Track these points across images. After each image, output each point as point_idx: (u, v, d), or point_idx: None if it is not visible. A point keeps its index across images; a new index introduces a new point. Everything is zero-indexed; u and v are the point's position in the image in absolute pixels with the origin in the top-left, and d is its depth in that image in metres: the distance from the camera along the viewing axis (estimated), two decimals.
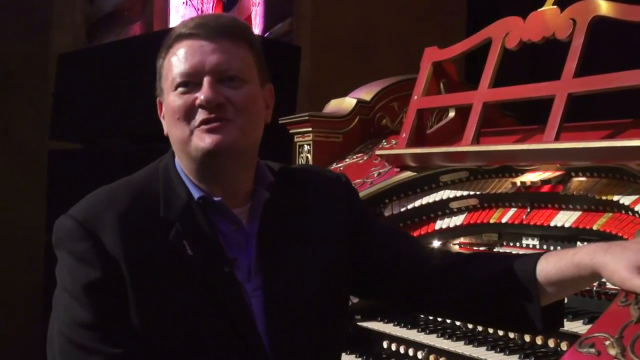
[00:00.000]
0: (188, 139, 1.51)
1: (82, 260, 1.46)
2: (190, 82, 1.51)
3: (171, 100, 1.53)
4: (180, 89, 1.52)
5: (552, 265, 1.48)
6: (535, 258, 1.53)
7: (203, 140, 1.49)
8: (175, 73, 1.52)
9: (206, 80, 1.50)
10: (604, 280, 1.69)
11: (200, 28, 1.54)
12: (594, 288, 2.00)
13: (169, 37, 1.57)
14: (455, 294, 1.63)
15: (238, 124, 1.51)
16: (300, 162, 3.07)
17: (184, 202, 1.54)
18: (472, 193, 2.46)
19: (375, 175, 2.75)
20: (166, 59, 1.56)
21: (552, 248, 2.22)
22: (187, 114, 1.51)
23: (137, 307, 1.45)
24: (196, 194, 1.55)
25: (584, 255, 1.43)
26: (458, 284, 1.62)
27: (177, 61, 1.52)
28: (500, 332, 2.18)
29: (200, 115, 1.50)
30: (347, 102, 3.14)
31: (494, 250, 2.40)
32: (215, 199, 1.55)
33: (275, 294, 1.55)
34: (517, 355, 2.03)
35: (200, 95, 1.49)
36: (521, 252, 2.30)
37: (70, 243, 1.49)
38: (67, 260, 1.49)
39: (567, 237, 2.17)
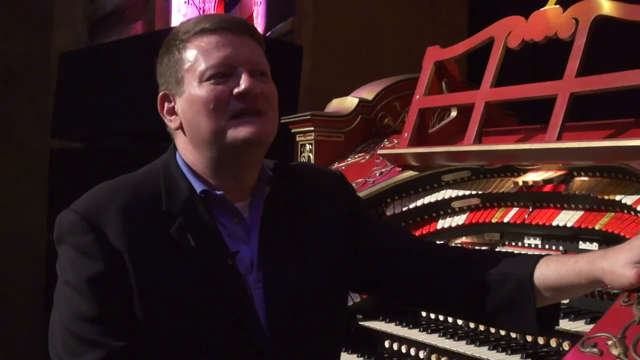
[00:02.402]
0: (222, 129, 1.52)
1: (85, 253, 1.47)
2: (224, 72, 1.53)
3: (202, 90, 1.53)
4: (212, 80, 1.53)
5: (552, 270, 1.49)
6: (534, 260, 1.53)
7: (243, 131, 1.52)
8: (207, 64, 1.53)
9: (244, 71, 1.53)
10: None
11: (226, 23, 1.57)
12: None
13: (185, 32, 1.58)
14: (452, 291, 1.63)
15: (269, 116, 1.57)
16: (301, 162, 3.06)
17: (186, 196, 1.55)
18: (474, 192, 2.46)
19: (377, 174, 2.75)
20: (186, 51, 1.56)
21: (554, 248, 2.22)
22: (222, 103, 1.52)
23: (140, 299, 1.46)
24: (198, 188, 1.56)
25: (584, 263, 1.45)
26: (455, 280, 1.63)
27: (207, 53, 1.54)
28: (502, 332, 2.18)
29: (237, 104, 1.52)
30: (348, 102, 3.14)
31: (496, 250, 2.40)
32: (217, 192, 1.56)
33: (276, 286, 1.56)
34: (519, 355, 2.03)
35: (243, 84, 1.52)
36: (523, 251, 2.30)
37: (73, 236, 1.49)
38: (70, 254, 1.49)
39: (569, 237, 2.17)
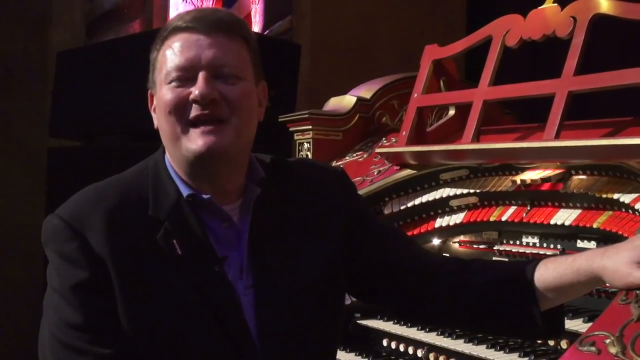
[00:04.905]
0: (179, 136, 1.48)
1: (70, 260, 1.44)
2: (184, 76, 1.48)
3: (163, 93, 1.49)
4: (173, 83, 1.48)
5: (551, 271, 1.49)
6: (534, 264, 1.53)
7: (195, 143, 1.46)
8: (169, 66, 1.49)
9: (201, 75, 1.47)
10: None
11: (197, 22, 1.50)
12: None
13: (165, 30, 1.54)
14: (454, 304, 1.61)
15: (233, 123, 1.48)
16: None
17: (173, 201, 1.50)
18: (472, 191, 2.46)
19: (375, 173, 2.74)
20: (160, 51, 1.53)
21: (552, 246, 2.22)
22: (180, 108, 1.47)
23: (124, 307, 1.43)
24: (185, 192, 1.51)
25: (583, 261, 1.44)
26: (456, 293, 1.60)
27: (172, 54, 1.49)
28: None
29: (194, 110, 1.46)
30: (347, 100, 3.14)
31: (494, 248, 2.40)
32: (204, 196, 1.51)
33: (266, 292, 1.51)
34: (517, 354, 2.03)
35: (195, 90, 1.46)
36: (521, 250, 2.30)
37: (57, 243, 1.47)
38: (55, 261, 1.47)
39: (567, 236, 2.17)
